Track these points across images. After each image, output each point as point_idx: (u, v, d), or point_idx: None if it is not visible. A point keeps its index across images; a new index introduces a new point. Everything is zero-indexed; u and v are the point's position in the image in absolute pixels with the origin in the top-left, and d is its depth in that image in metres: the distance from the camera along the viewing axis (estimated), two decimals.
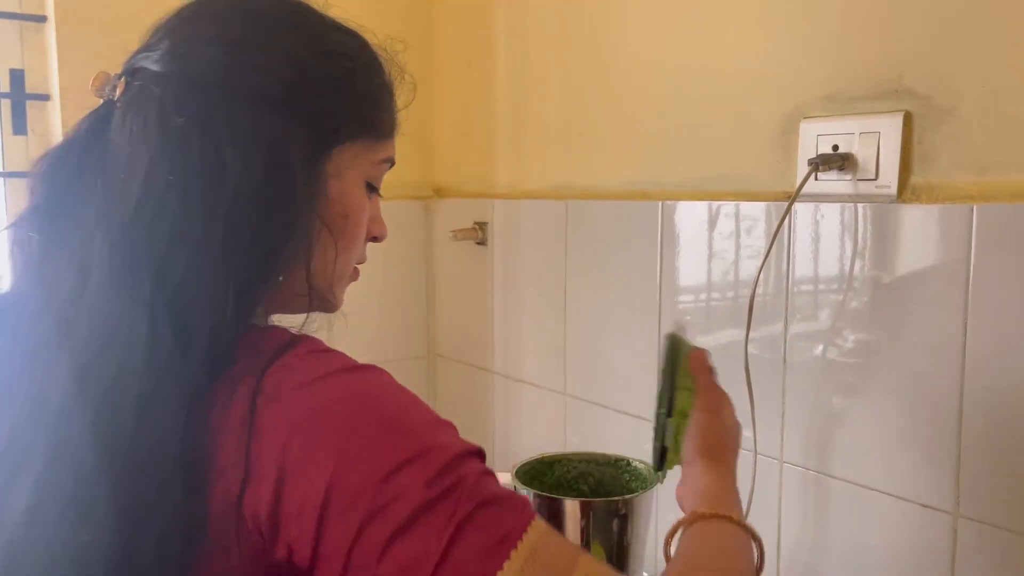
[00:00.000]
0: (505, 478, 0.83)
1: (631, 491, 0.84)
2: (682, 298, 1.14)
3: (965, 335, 0.83)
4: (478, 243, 1.50)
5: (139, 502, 0.53)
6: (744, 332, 0.98)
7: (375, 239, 0.73)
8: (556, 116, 1.34)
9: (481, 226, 1.49)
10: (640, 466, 0.85)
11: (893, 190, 0.89)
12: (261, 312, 0.64)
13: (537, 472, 0.86)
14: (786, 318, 1.00)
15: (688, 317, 1.13)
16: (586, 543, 0.78)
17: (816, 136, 0.96)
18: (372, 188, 0.69)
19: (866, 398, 0.93)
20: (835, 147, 0.94)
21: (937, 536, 0.87)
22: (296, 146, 0.60)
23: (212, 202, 0.57)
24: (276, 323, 0.65)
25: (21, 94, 1.26)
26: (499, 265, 1.47)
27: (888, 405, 0.91)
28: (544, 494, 0.80)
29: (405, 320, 1.64)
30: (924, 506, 0.88)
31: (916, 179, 0.88)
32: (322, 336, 0.63)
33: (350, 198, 0.66)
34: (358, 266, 0.72)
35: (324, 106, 0.63)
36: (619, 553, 0.79)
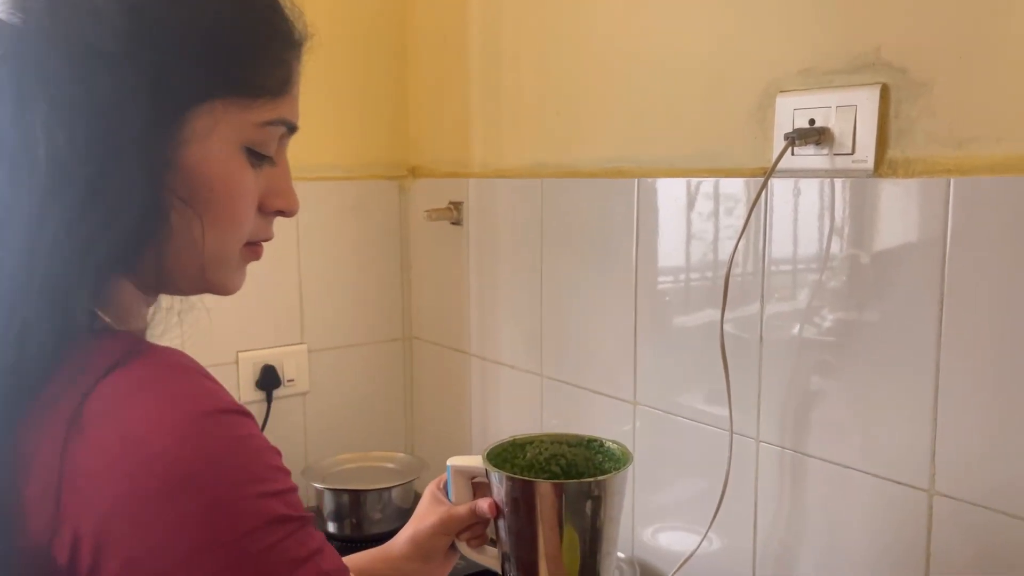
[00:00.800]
0: (476, 461, 0.81)
1: (604, 472, 0.83)
2: (658, 277, 1.13)
3: (941, 310, 0.82)
4: (453, 223, 1.48)
5: None
6: (719, 311, 0.97)
7: (281, 213, 0.63)
8: (531, 94, 1.32)
9: (456, 206, 1.47)
10: (613, 447, 0.84)
11: (870, 164, 0.88)
12: (128, 300, 0.57)
13: (509, 455, 0.84)
14: (762, 296, 0.99)
15: (667, 298, 1.12)
16: (559, 525, 0.76)
17: (792, 110, 0.94)
18: (258, 155, 0.58)
19: (842, 376, 0.92)
20: (811, 121, 0.92)
21: (912, 513, 0.86)
22: (132, 108, 0.51)
23: (34, 179, 0.50)
24: (160, 307, 0.61)
25: None
26: (475, 245, 1.45)
27: (864, 383, 0.90)
28: (516, 476, 0.78)
29: (380, 302, 1.62)
30: (899, 483, 0.87)
31: (893, 153, 0.87)
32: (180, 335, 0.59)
33: (216, 167, 0.55)
34: (263, 243, 0.63)
35: (171, 59, 0.53)
36: (593, 534, 0.77)
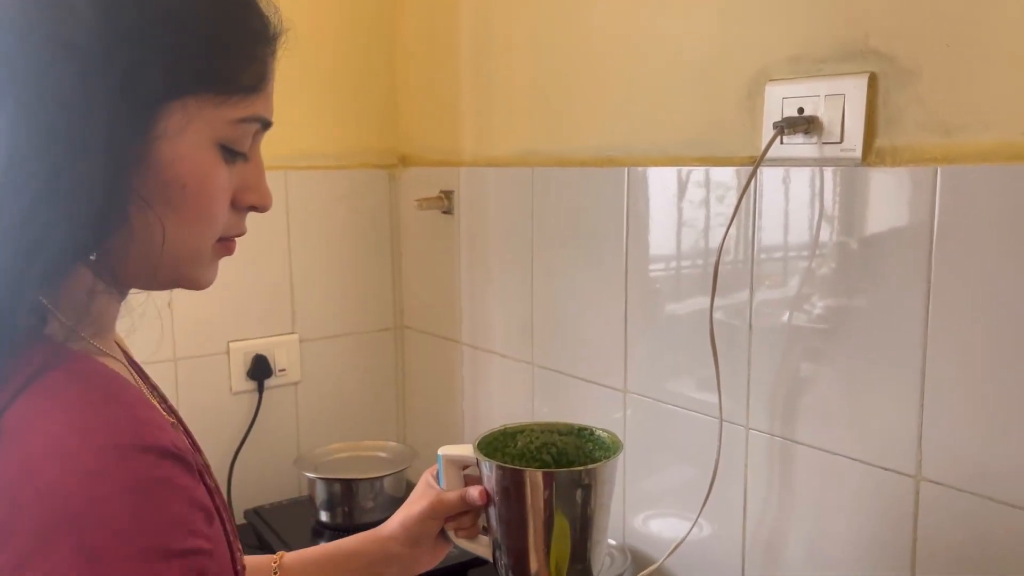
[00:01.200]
0: (467, 451, 0.82)
1: (594, 460, 0.83)
2: (648, 265, 1.13)
3: (928, 298, 0.83)
4: (444, 212, 1.48)
5: None
6: (709, 299, 0.97)
7: (254, 208, 0.62)
8: (522, 82, 1.32)
9: (447, 195, 1.47)
10: (603, 435, 0.84)
11: (858, 153, 0.88)
12: (88, 296, 0.55)
13: (500, 443, 0.85)
14: (752, 284, 1.00)
15: (657, 286, 1.12)
16: (550, 513, 0.77)
17: (781, 99, 0.94)
18: (232, 152, 0.57)
19: (831, 364, 0.93)
20: (800, 110, 0.92)
21: (900, 499, 0.87)
22: (101, 104, 0.50)
23: None
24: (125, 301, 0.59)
25: None
26: (465, 234, 1.45)
27: (852, 370, 0.91)
28: (507, 465, 0.79)
29: (371, 292, 1.62)
30: (887, 469, 0.88)
31: (881, 142, 0.87)
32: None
33: (190, 164, 0.55)
34: (235, 239, 0.63)
35: (143, 55, 0.51)
36: (583, 522, 0.78)
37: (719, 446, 1.00)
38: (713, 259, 0.99)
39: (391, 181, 1.61)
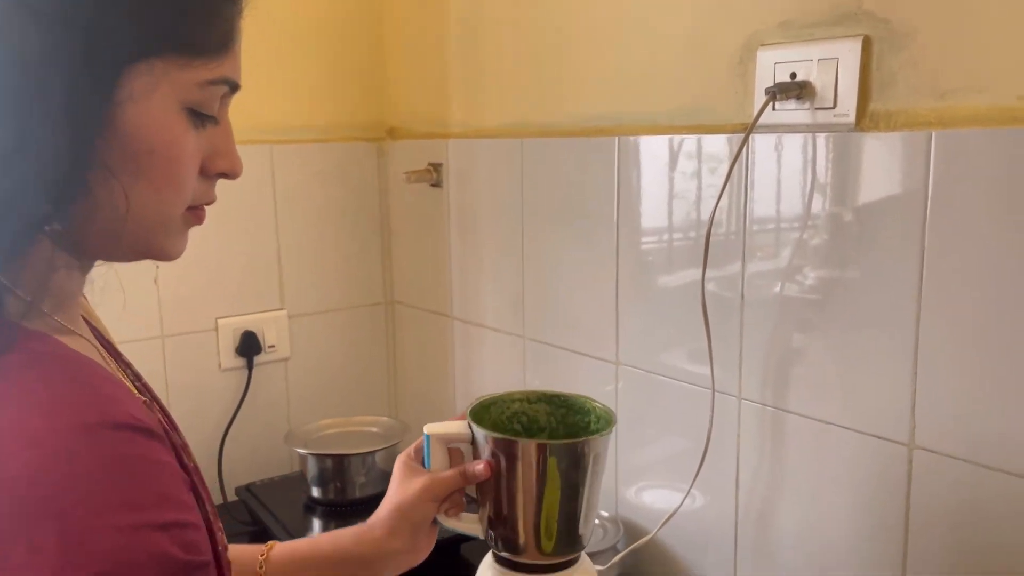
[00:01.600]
0: (455, 427, 0.80)
1: (589, 432, 0.83)
2: (640, 236, 1.12)
3: (922, 265, 0.82)
4: (433, 185, 1.46)
5: None
6: (701, 269, 0.96)
7: (224, 175, 0.60)
8: (511, 51, 1.29)
9: (436, 167, 1.45)
10: (599, 406, 0.83)
11: (851, 118, 0.87)
12: (50, 267, 0.53)
13: (490, 412, 0.84)
14: (744, 254, 0.98)
15: (649, 258, 1.11)
16: (542, 486, 0.76)
17: (773, 64, 0.93)
18: (200, 115, 0.55)
19: (824, 333, 0.92)
20: (793, 75, 0.91)
21: (892, 467, 0.87)
22: (64, 68, 0.48)
23: None
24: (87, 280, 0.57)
25: None
26: (455, 207, 1.43)
27: (845, 340, 0.90)
28: (500, 436, 0.78)
29: (360, 266, 1.60)
30: (880, 438, 0.88)
31: (875, 106, 0.86)
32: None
33: (157, 129, 0.52)
34: (205, 207, 0.60)
35: (107, 17, 0.50)
36: (576, 493, 0.77)
37: (711, 417, 1.00)
38: (705, 229, 0.98)
39: (379, 154, 1.59)
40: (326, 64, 1.52)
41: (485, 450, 0.78)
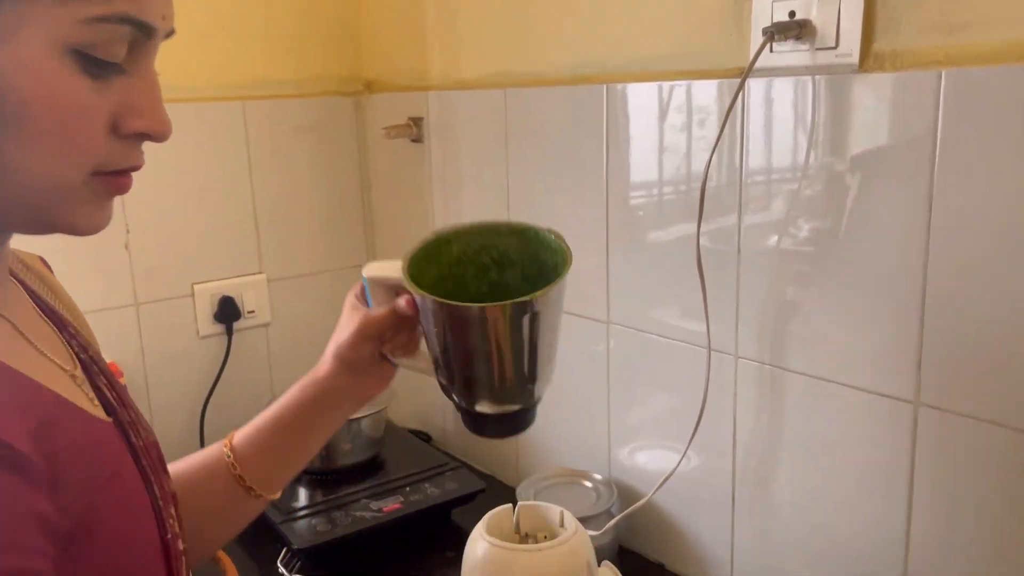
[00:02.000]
0: (396, 271, 0.72)
1: (540, 264, 0.76)
2: (630, 190, 1.07)
3: (930, 213, 0.78)
4: (413, 140, 1.40)
5: None
6: (696, 223, 0.92)
7: (147, 137, 0.50)
8: None
9: (416, 122, 1.39)
10: (550, 237, 0.76)
11: (855, 59, 0.81)
12: None
13: (433, 253, 0.75)
14: (740, 206, 0.94)
15: (640, 212, 1.06)
16: (492, 344, 0.67)
17: (771, 2, 0.87)
18: (95, 62, 0.46)
19: (824, 287, 0.88)
20: (792, 14, 0.85)
21: (897, 426, 0.83)
22: None
23: None
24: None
25: None
26: (437, 163, 1.38)
27: (847, 294, 0.86)
28: (446, 302, 0.67)
29: (341, 227, 1.55)
30: (883, 395, 0.84)
31: (879, 45, 0.80)
32: None
33: (30, 75, 0.44)
34: (130, 174, 0.51)
35: None
36: (531, 347, 0.69)
37: (707, 376, 0.96)
38: (699, 181, 0.93)
39: (356, 109, 1.52)
40: (298, 13, 1.44)
41: (419, 302, 0.70)
